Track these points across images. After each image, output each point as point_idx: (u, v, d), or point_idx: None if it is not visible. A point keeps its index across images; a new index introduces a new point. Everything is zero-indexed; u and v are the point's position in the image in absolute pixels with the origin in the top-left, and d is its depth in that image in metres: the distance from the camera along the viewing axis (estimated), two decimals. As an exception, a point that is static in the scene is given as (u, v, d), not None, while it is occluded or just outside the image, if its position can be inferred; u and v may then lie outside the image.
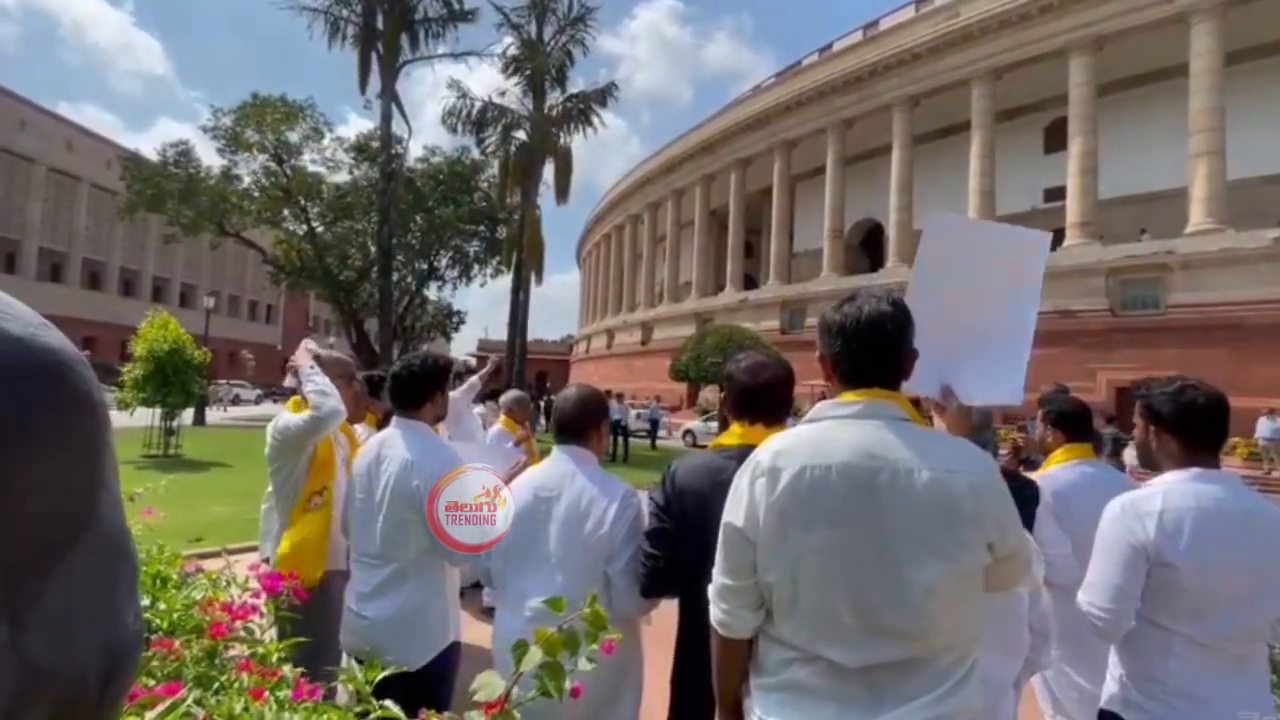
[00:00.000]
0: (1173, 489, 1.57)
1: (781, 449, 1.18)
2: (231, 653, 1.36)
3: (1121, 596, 1.56)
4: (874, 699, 1.09)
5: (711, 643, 1.29)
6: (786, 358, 2.05)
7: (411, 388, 2.19)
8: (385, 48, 20.13)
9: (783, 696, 1.15)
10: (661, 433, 21.51)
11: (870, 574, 1.10)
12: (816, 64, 32.21)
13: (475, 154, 23.92)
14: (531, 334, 26.49)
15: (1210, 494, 1.54)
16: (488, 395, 6.43)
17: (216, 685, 1.19)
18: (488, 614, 3.98)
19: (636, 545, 1.77)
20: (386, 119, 20.45)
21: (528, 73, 21.16)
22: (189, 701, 1.01)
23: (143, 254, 45.89)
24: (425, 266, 25.57)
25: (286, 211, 23.37)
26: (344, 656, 2.09)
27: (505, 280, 23.81)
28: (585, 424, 1.95)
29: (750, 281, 37.62)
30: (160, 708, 0.92)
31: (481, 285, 28.74)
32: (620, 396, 20.90)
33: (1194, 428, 1.61)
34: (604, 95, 22.01)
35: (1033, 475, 2.29)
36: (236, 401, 32.45)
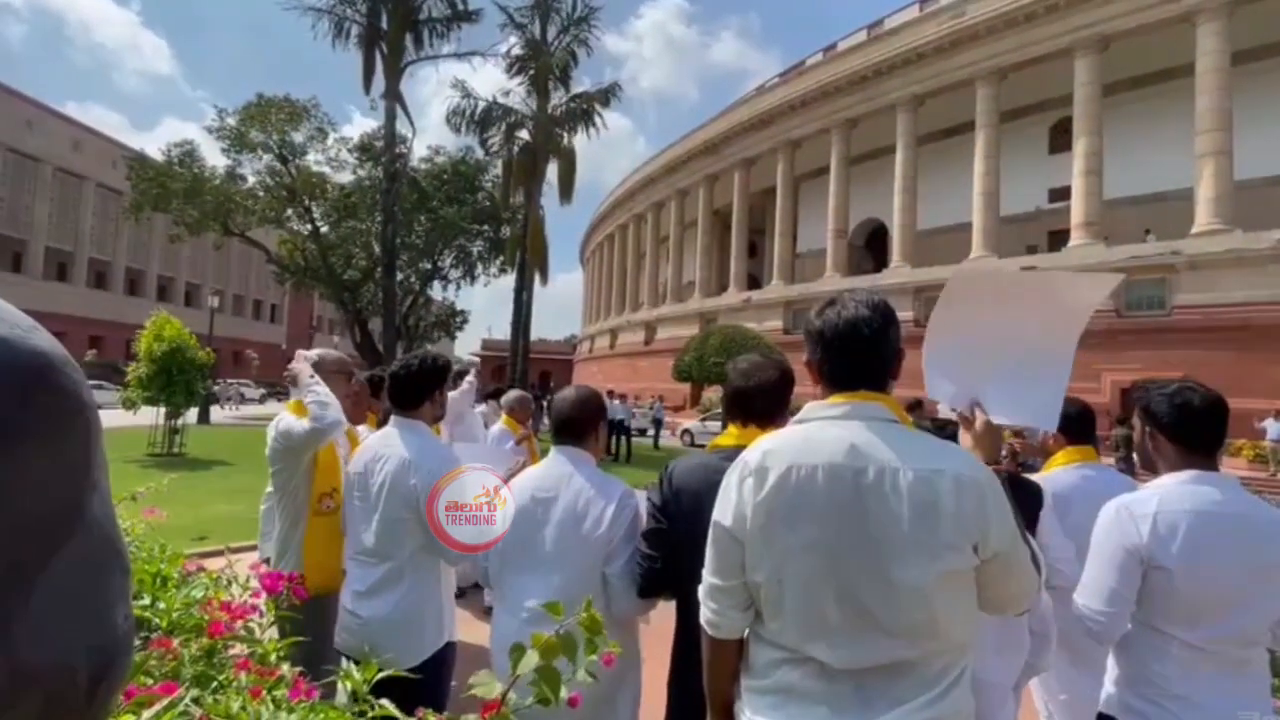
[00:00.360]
0: (1168, 491, 1.55)
1: (769, 449, 1.18)
2: (231, 652, 1.37)
3: (1116, 599, 1.55)
4: (864, 703, 1.09)
5: (702, 643, 1.29)
6: (790, 358, 2.04)
7: (410, 387, 2.20)
8: (389, 47, 20.14)
9: (773, 699, 1.15)
10: (664, 432, 21.49)
11: (856, 573, 1.09)
12: (820, 64, 32.15)
13: (479, 154, 23.98)
14: (535, 333, 26.55)
15: (1206, 496, 1.52)
16: (489, 395, 6.44)
17: (214, 684, 1.19)
18: (488, 614, 3.98)
19: (634, 546, 1.78)
20: (391, 119, 20.48)
21: (531, 72, 21.21)
22: (186, 700, 1.02)
23: (148, 253, 46.01)
24: (429, 266, 25.63)
25: (291, 211, 23.51)
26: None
27: (509, 280, 23.87)
28: (583, 424, 1.95)
29: (754, 281, 37.56)
30: (157, 706, 0.93)
31: (485, 285, 28.85)
32: (623, 396, 20.87)
33: (1190, 430, 1.59)
34: (607, 95, 22.05)
35: (1033, 478, 2.28)
36: (242, 400, 32.60)
